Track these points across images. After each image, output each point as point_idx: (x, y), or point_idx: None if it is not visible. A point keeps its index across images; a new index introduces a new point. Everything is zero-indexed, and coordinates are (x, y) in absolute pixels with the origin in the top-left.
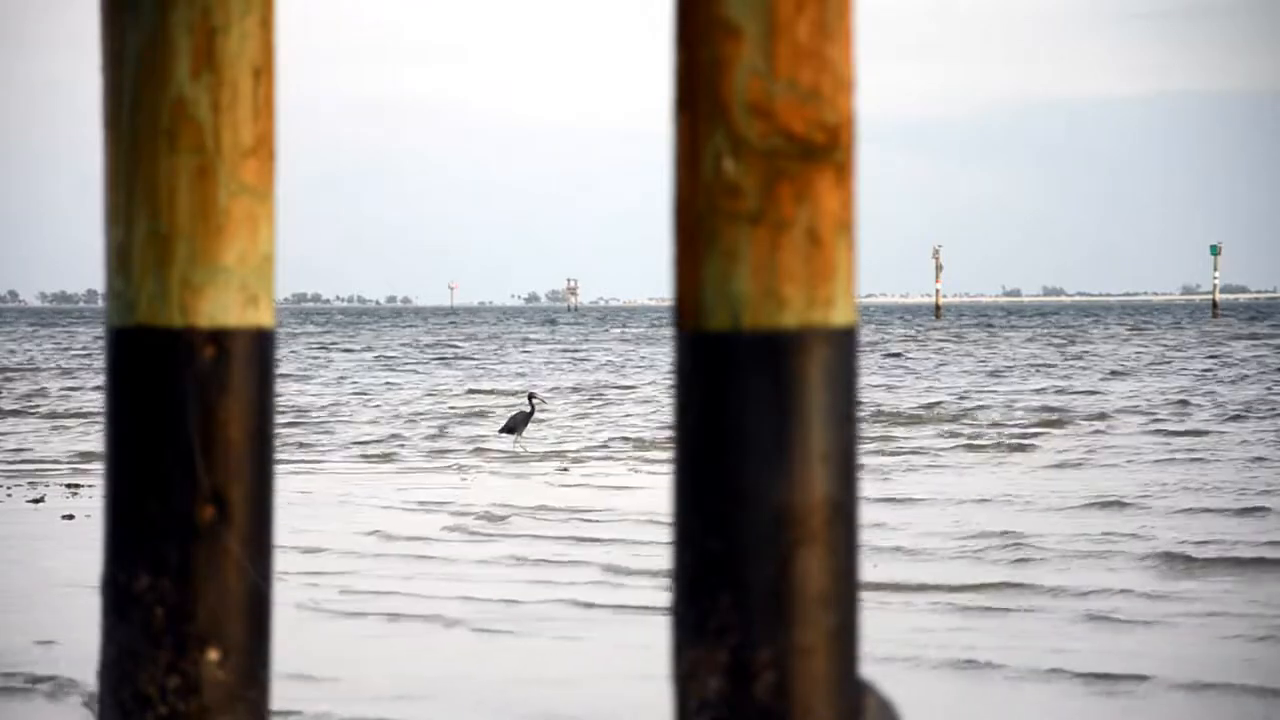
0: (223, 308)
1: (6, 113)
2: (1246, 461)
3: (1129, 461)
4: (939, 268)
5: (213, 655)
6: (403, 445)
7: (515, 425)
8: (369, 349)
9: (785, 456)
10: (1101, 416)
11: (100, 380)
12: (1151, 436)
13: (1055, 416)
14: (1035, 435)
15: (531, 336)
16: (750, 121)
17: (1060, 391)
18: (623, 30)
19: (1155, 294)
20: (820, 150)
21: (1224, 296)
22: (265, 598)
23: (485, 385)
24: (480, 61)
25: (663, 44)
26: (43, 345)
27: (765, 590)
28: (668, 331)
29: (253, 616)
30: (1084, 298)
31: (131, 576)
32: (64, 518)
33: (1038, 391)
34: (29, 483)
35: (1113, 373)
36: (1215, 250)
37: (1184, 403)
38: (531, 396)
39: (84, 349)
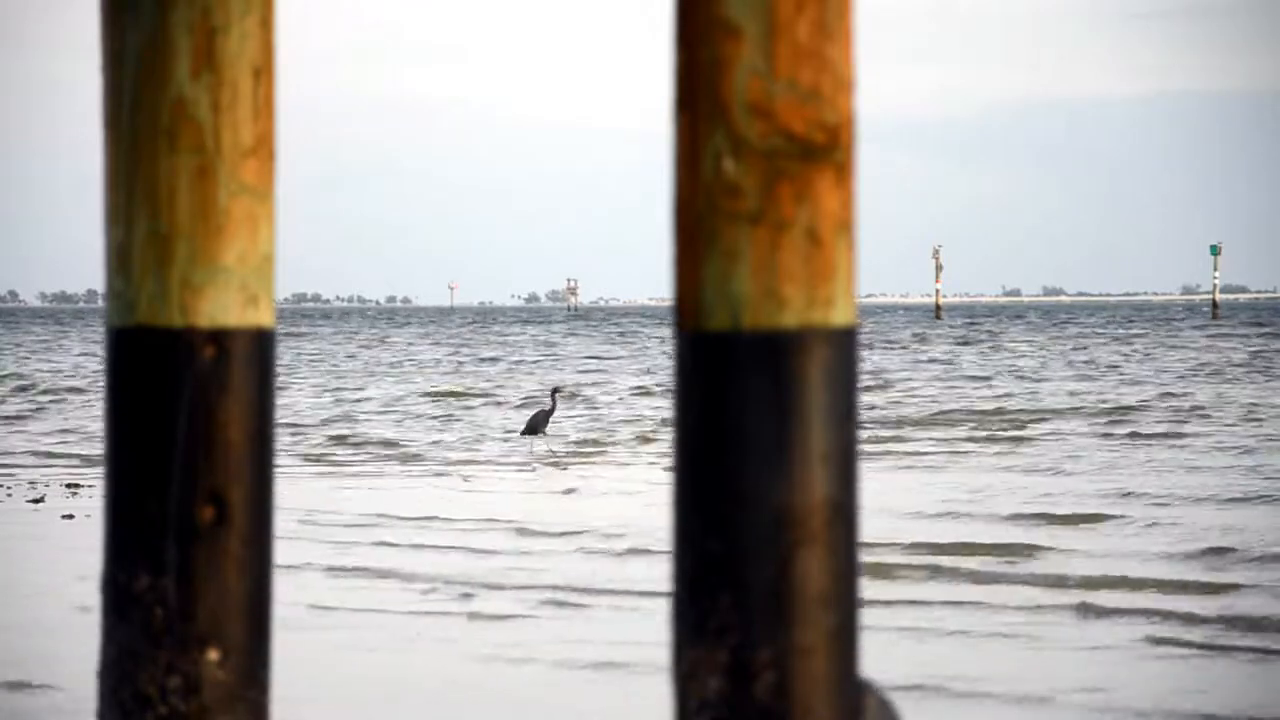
0: (223, 308)
1: (6, 113)
2: (1157, 468)
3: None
4: (939, 268)
5: (213, 655)
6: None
7: (537, 425)
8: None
9: (785, 457)
10: (1042, 419)
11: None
12: (1076, 441)
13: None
14: (970, 439)
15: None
16: (750, 121)
17: (1010, 394)
18: (623, 30)
19: (1155, 294)
20: (820, 150)
21: (1224, 296)
22: (265, 598)
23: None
24: (480, 61)
25: (663, 44)
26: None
27: (765, 590)
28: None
29: (253, 616)
30: (1084, 298)
31: (131, 576)
32: (64, 517)
33: (998, 393)
34: (29, 482)
35: (1083, 372)
36: (1215, 250)
37: (1133, 406)
38: (555, 391)
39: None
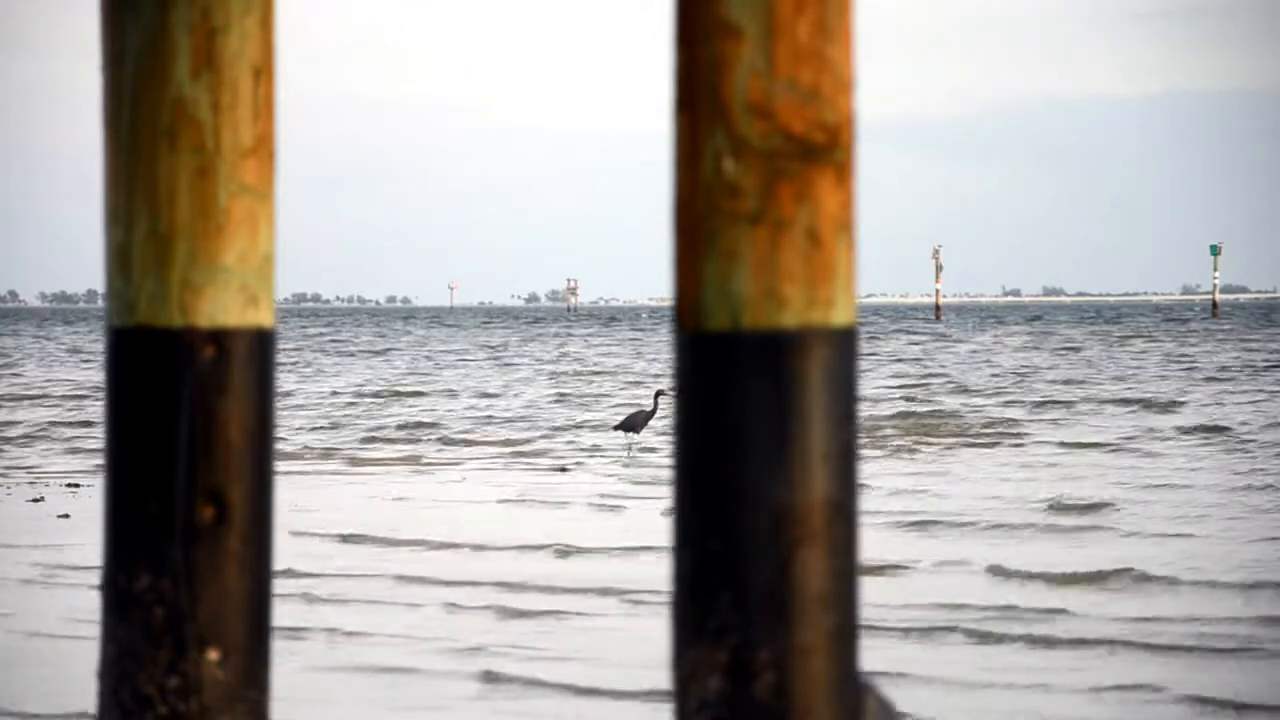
0: (223, 308)
1: (6, 113)
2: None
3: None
4: (939, 268)
5: (213, 655)
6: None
7: (634, 424)
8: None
9: (785, 456)
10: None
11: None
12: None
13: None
14: None
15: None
16: (750, 121)
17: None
18: (623, 32)
19: (1155, 294)
20: (820, 150)
21: (1224, 297)
22: (265, 598)
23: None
24: (481, 62)
25: (662, 45)
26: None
27: (765, 590)
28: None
29: (253, 616)
30: (1084, 298)
31: (131, 576)
32: (60, 516)
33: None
34: (29, 481)
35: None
36: (1215, 250)
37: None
38: (659, 394)
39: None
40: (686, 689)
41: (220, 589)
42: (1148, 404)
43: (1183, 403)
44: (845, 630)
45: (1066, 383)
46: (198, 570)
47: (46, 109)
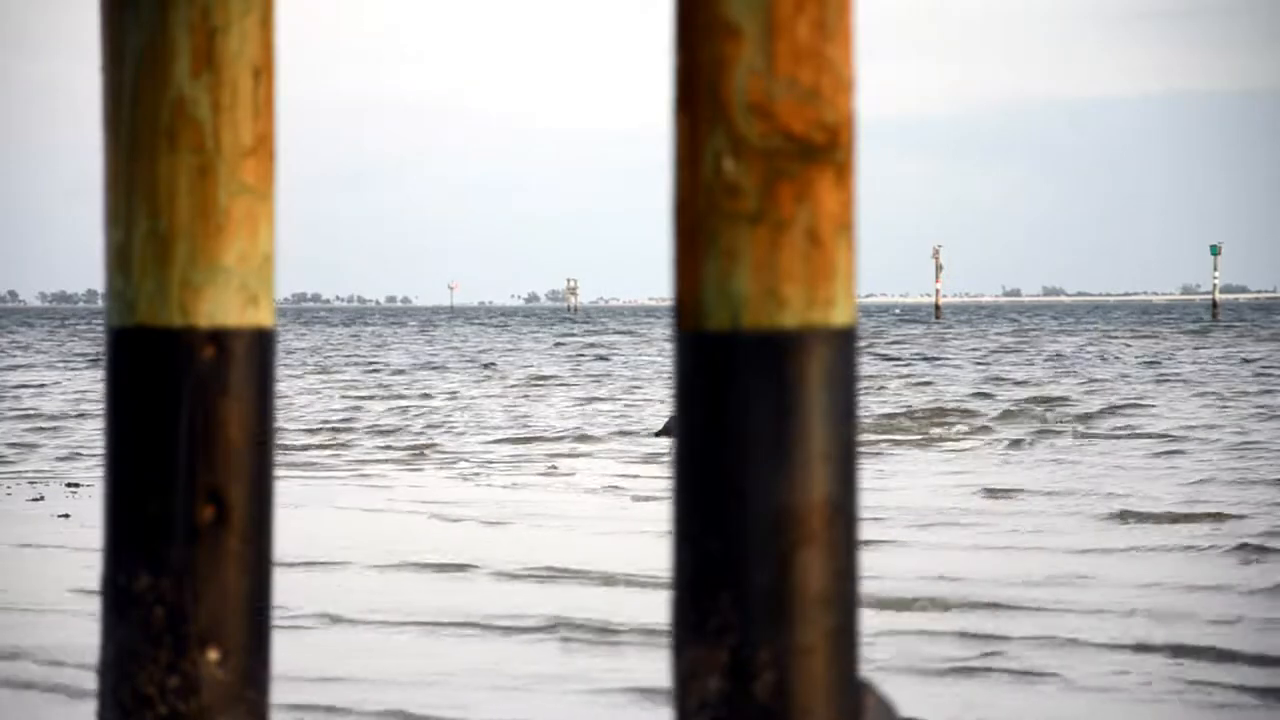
0: (223, 308)
1: (6, 113)
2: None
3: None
4: (939, 268)
5: (213, 655)
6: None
7: (673, 427)
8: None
9: (785, 456)
10: None
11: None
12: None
13: None
14: None
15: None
16: (750, 121)
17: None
18: (622, 32)
19: (1155, 294)
20: (820, 150)
21: (1224, 296)
22: (265, 598)
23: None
24: (481, 63)
25: (662, 45)
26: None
27: (765, 590)
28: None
29: (253, 616)
30: (1084, 298)
31: (131, 576)
32: (59, 516)
33: None
34: (29, 481)
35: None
36: (1215, 250)
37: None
38: None
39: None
40: (686, 689)
41: (220, 589)
42: (1111, 408)
43: (1138, 405)
44: (845, 630)
45: (1022, 383)
46: (198, 570)
47: (46, 109)
